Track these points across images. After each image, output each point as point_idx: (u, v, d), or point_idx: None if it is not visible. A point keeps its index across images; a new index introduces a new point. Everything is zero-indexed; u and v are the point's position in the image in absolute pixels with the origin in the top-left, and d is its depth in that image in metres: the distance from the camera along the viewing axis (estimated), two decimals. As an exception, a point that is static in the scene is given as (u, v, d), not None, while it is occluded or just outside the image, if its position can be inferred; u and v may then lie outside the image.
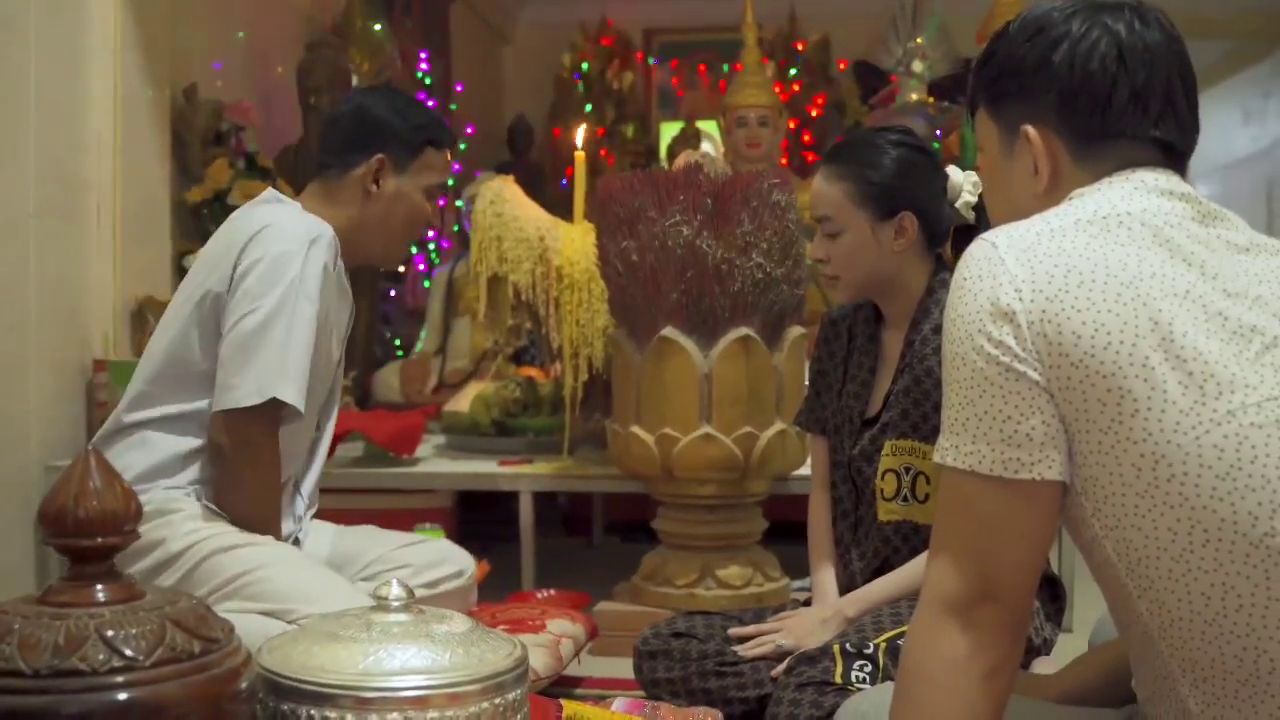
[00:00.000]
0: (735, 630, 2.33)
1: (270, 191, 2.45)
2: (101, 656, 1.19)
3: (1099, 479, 1.27)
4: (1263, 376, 1.24)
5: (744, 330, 2.77)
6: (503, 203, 3.28)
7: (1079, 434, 1.27)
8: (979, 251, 1.34)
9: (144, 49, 3.76)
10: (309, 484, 2.50)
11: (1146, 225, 1.32)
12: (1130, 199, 1.35)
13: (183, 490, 2.25)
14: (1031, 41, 1.45)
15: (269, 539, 2.25)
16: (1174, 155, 1.43)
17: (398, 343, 5.51)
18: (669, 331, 2.78)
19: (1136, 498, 1.25)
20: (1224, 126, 8.40)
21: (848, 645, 2.05)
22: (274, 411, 2.20)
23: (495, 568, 3.33)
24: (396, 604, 1.48)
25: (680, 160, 3.16)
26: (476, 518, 4.11)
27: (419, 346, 5.05)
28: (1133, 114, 1.40)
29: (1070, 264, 1.28)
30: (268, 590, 2.12)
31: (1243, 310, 1.27)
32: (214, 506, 2.25)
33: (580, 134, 3.44)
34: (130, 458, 2.23)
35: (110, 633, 1.21)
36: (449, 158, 2.52)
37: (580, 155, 3.37)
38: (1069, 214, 1.35)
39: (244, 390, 2.18)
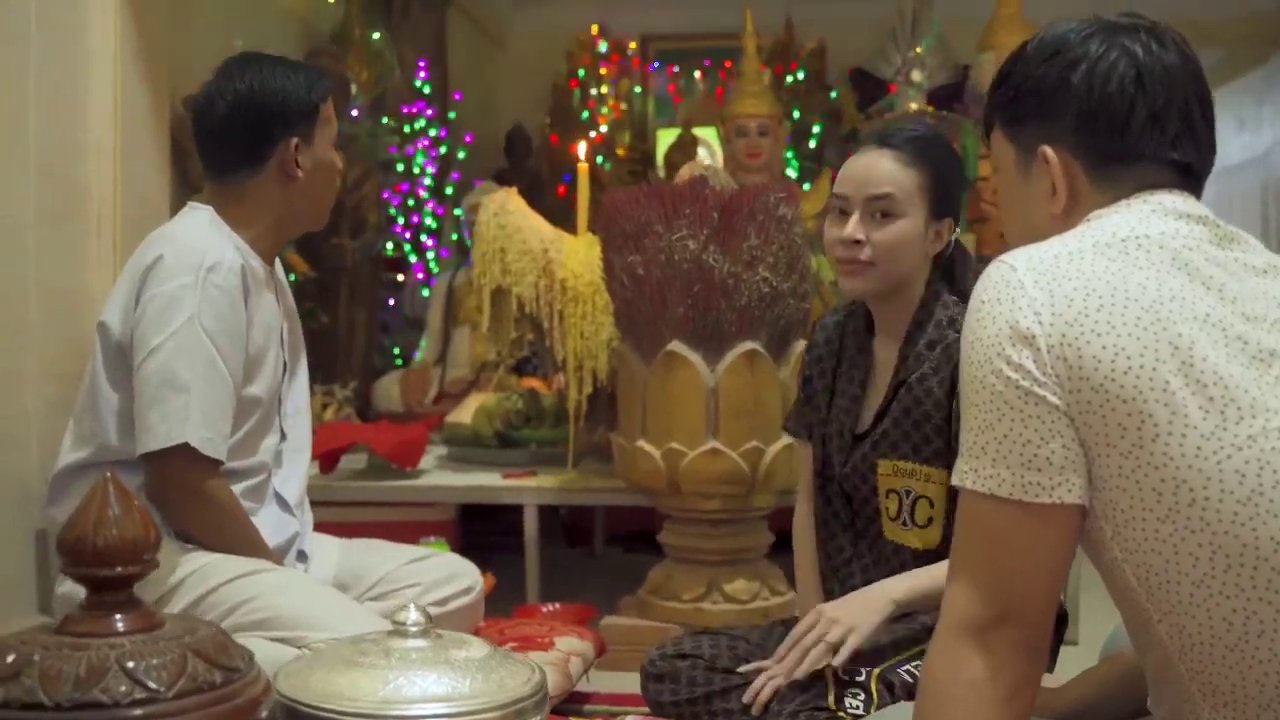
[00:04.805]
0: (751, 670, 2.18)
1: (190, 204, 2.38)
2: (123, 688, 1.18)
3: (1119, 503, 1.27)
4: None
5: (750, 344, 2.77)
6: (506, 215, 3.27)
7: (1099, 458, 1.27)
8: (997, 274, 1.34)
9: (143, 57, 3.73)
10: (292, 493, 2.44)
11: (1165, 248, 1.31)
12: (1149, 222, 1.35)
13: None
14: (1049, 62, 1.45)
15: (268, 564, 2.22)
16: (1190, 176, 1.43)
17: (396, 352, 5.49)
18: (675, 346, 2.77)
19: (1157, 522, 1.25)
20: (1218, 133, 8.39)
21: (840, 673, 2.02)
22: (192, 451, 2.15)
23: (499, 580, 3.32)
24: (415, 629, 1.47)
25: (685, 173, 3.16)
26: (478, 529, 4.10)
27: (419, 356, 5.03)
28: (1151, 136, 1.40)
29: (1090, 287, 1.28)
30: (276, 617, 2.10)
31: (1262, 334, 1.27)
32: (188, 543, 2.22)
33: (583, 147, 3.43)
34: None
35: (131, 664, 1.20)
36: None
37: (583, 167, 3.37)
38: (1087, 236, 1.35)
39: (153, 434, 2.14)
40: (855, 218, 2.19)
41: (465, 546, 3.82)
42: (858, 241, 2.18)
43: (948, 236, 2.24)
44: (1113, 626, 1.85)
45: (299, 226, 2.47)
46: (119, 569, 1.25)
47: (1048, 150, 1.44)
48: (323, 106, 2.37)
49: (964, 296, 2.22)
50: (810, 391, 2.40)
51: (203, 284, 2.18)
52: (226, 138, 2.33)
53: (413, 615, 1.49)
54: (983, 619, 1.30)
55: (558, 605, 3.12)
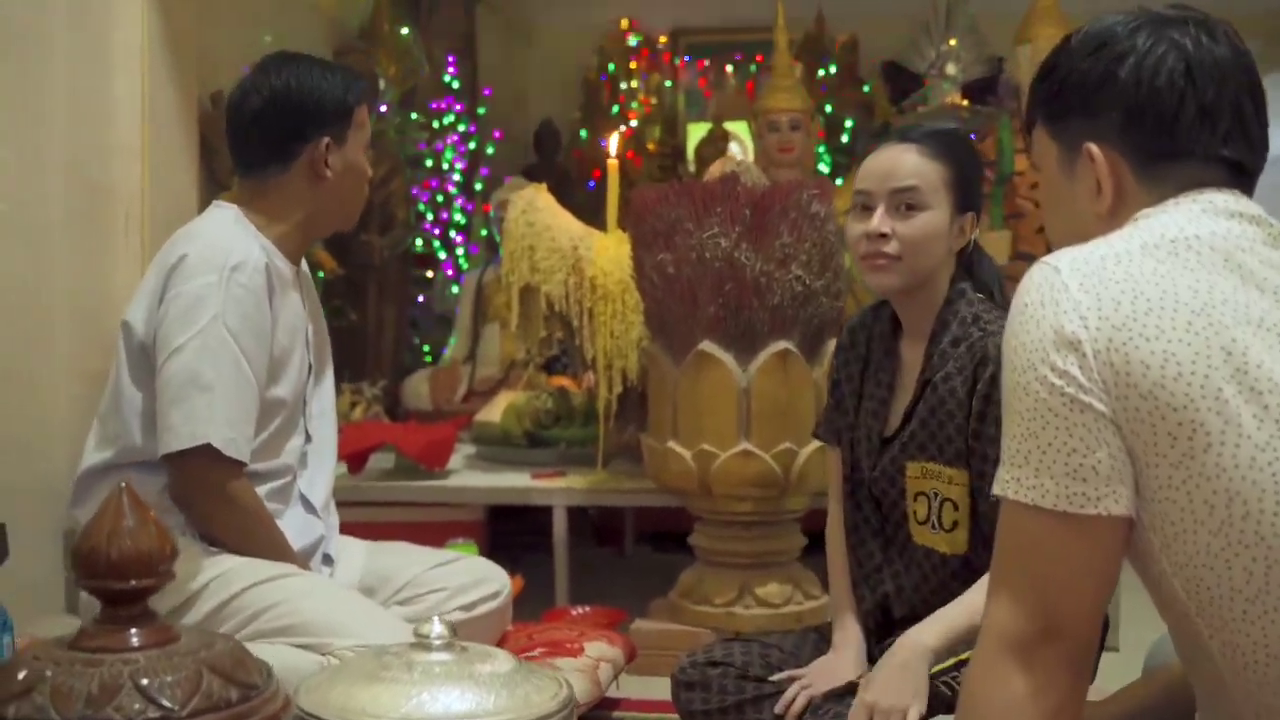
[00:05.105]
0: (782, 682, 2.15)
1: (215, 203, 2.37)
2: (137, 706, 1.15)
3: (1168, 515, 1.22)
4: None
5: (783, 344, 2.72)
6: (535, 212, 3.24)
7: (1147, 468, 1.22)
8: (1041, 276, 1.29)
9: (171, 54, 3.72)
10: (318, 495, 2.41)
11: (1216, 249, 1.27)
12: (1199, 221, 1.30)
13: (176, 532, 2.19)
14: (1095, 56, 1.40)
15: (294, 569, 2.20)
16: (1242, 174, 1.38)
17: (426, 349, 5.46)
18: (707, 345, 2.72)
19: (1209, 536, 1.20)
20: (1270, 123, 8.27)
21: None
22: (215, 452, 2.13)
23: (528, 581, 3.29)
24: (439, 642, 1.43)
25: (716, 169, 3.11)
26: (507, 529, 4.07)
27: (448, 354, 5.01)
28: (1201, 132, 1.35)
29: (1138, 290, 1.23)
30: (301, 623, 2.07)
31: None
32: (213, 546, 2.20)
33: (614, 142, 3.38)
34: None
35: (145, 681, 1.16)
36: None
37: (613, 163, 3.32)
38: (1135, 237, 1.30)
39: (176, 434, 2.12)
40: (880, 211, 2.15)
41: (494, 546, 3.79)
42: (883, 235, 2.14)
43: (970, 232, 2.20)
44: (1156, 635, 1.80)
45: (326, 227, 2.45)
46: (133, 582, 1.22)
47: (1093, 147, 1.39)
48: (358, 110, 2.35)
49: (988, 293, 2.20)
50: (839, 396, 2.36)
51: (227, 283, 2.16)
52: (258, 133, 2.31)
53: (436, 628, 1.45)
54: (1025, 635, 1.26)
55: (587, 608, 3.08)
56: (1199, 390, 1.19)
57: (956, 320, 2.15)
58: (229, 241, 2.21)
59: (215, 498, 2.17)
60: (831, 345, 2.82)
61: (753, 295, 2.68)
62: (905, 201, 2.14)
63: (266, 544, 2.21)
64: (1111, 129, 1.38)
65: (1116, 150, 1.39)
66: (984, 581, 2.03)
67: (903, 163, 2.16)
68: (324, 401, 2.49)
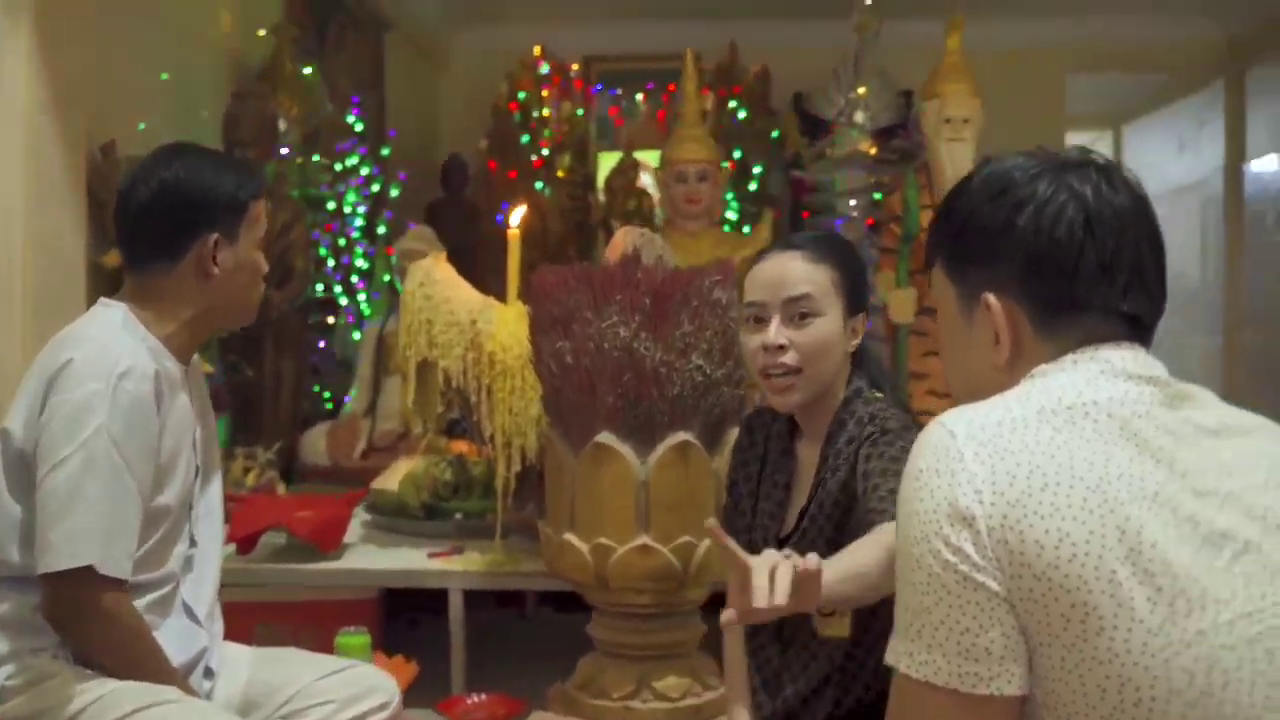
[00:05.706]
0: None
1: (101, 301, 2.28)
2: None
3: (1061, 696, 1.21)
4: (1234, 590, 1.19)
5: (683, 435, 2.66)
6: (433, 284, 3.16)
7: (1041, 647, 1.21)
8: (937, 440, 1.28)
9: (58, 106, 3.58)
10: (202, 602, 2.32)
11: (1114, 416, 1.26)
12: (1096, 385, 1.29)
13: (49, 654, 2.10)
14: (994, 202, 1.38)
15: (174, 691, 2.10)
16: (1141, 328, 1.37)
17: (327, 396, 5.33)
18: (605, 437, 2.66)
19: (1101, 720, 1.18)
20: (1159, 157, 8.46)
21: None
22: (94, 572, 2.03)
23: (425, 656, 3.22)
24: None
25: (619, 239, 3.06)
26: (405, 596, 3.97)
27: (348, 407, 4.90)
28: (1100, 285, 1.34)
29: (1034, 463, 1.22)
30: None
31: (1214, 512, 1.21)
32: (89, 668, 2.10)
33: (518, 214, 3.30)
34: None
35: None
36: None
37: (514, 233, 3.25)
38: (1032, 399, 1.29)
39: (56, 552, 2.02)
40: (775, 322, 2.17)
41: (391, 615, 3.71)
42: (781, 346, 2.14)
43: (861, 332, 2.21)
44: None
45: (218, 324, 2.38)
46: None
47: (990, 298, 1.38)
48: (252, 205, 2.27)
49: (880, 389, 2.22)
50: (737, 496, 2.36)
51: (114, 391, 2.07)
52: (145, 227, 2.22)
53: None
54: (917, 809, 1.24)
55: (484, 695, 3.02)
56: (1092, 572, 1.17)
57: (853, 419, 2.16)
58: (117, 346, 2.12)
59: (94, 617, 2.08)
60: (733, 434, 2.78)
61: (652, 386, 2.62)
62: (799, 310, 2.15)
63: (147, 664, 2.12)
64: (1011, 278, 1.37)
65: (1015, 300, 1.38)
66: (876, 533, 1.88)
67: (791, 270, 2.16)
68: (211, 501, 2.41)
